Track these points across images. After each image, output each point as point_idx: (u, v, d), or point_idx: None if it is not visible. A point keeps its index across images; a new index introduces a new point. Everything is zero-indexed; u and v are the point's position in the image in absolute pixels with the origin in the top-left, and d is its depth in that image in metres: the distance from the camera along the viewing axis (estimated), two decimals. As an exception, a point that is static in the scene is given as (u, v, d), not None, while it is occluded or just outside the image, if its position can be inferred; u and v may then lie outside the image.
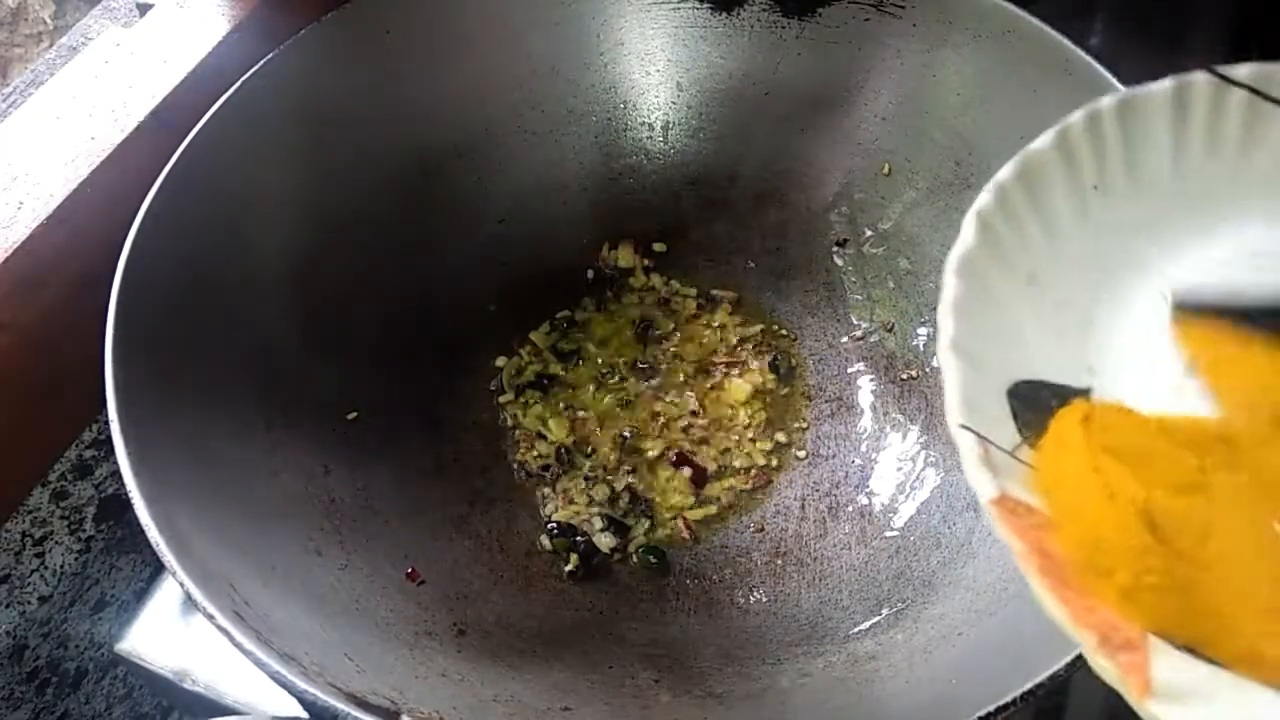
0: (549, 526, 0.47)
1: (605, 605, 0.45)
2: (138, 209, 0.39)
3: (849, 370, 0.52)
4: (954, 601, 0.40)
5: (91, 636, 0.50)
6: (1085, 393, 0.25)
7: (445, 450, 0.49)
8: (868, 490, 0.48)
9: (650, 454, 0.50)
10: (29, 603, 0.46)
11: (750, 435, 0.50)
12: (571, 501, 0.48)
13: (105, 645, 0.50)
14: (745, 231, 0.54)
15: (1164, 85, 0.27)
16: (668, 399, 0.52)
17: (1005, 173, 0.26)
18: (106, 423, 0.39)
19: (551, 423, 0.50)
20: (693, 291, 0.55)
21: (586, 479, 0.49)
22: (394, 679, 0.34)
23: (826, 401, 0.51)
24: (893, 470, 0.48)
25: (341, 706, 0.29)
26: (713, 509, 0.49)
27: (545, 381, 0.52)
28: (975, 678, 0.35)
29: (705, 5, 0.50)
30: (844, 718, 0.37)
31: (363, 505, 0.43)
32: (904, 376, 0.50)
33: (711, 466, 0.50)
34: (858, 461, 0.49)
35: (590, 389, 0.52)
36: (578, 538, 0.47)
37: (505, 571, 0.45)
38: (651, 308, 0.54)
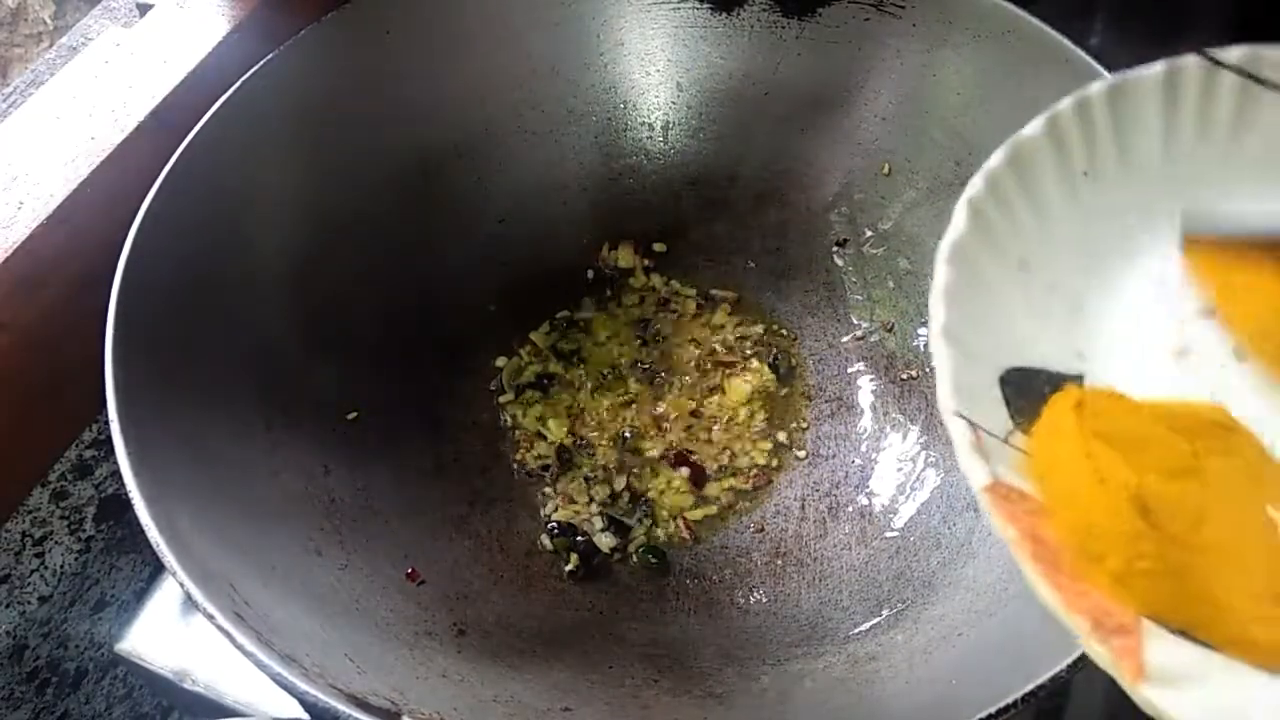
0: (549, 526, 0.47)
1: (605, 605, 0.45)
2: (138, 209, 0.39)
3: (849, 370, 0.52)
4: (954, 602, 0.40)
5: (91, 636, 0.50)
6: (1077, 378, 0.25)
7: (445, 450, 0.49)
8: (868, 490, 0.48)
9: (650, 454, 0.50)
10: (29, 603, 0.46)
11: (750, 435, 0.50)
12: (571, 501, 0.48)
13: (105, 645, 0.50)
14: (745, 231, 0.54)
15: (1154, 69, 0.27)
16: (668, 399, 0.52)
17: (996, 159, 0.26)
18: (106, 423, 0.39)
19: (551, 423, 0.50)
20: (693, 291, 0.55)
21: (586, 479, 0.49)
22: (394, 679, 0.34)
23: (826, 401, 0.51)
24: (893, 470, 0.48)
25: (342, 707, 0.29)
26: (713, 509, 0.49)
27: (545, 381, 0.52)
28: (975, 678, 0.35)
29: (705, 5, 0.50)
30: (844, 718, 0.37)
31: (363, 505, 0.43)
32: (904, 376, 0.50)
33: (711, 466, 0.50)
34: (858, 461, 0.49)
35: (590, 389, 0.52)
36: (578, 537, 0.47)
37: (505, 571, 0.45)
38: (651, 308, 0.54)
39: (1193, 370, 0.25)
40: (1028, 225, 0.27)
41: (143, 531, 0.32)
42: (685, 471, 0.49)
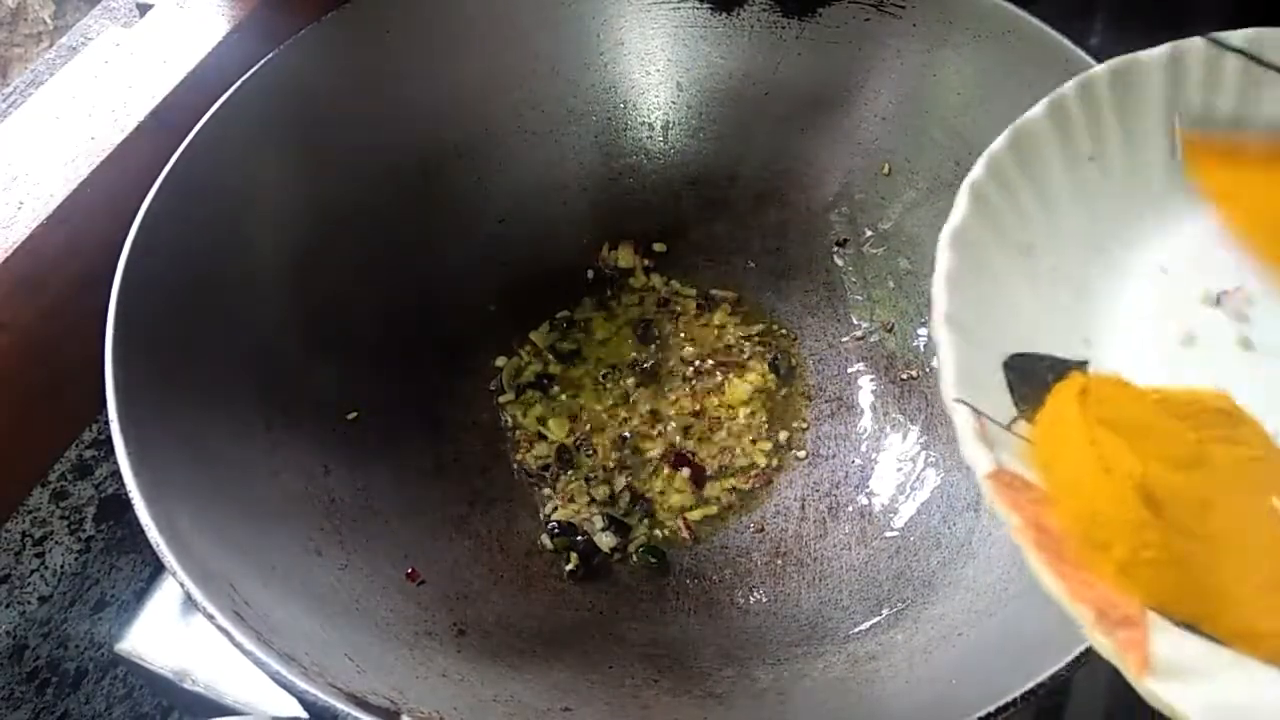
0: (549, 525, 0.47)
1: (605, 605, 0.45)
2: (138, 209, 0.39)
3: (849, 370, 0.52)
4: (954, 601, 0.40)
5: (91, 636, 0.50)
6: (1082, 365, 0.25)
7: (445, 450, 0.49)
8: (868, 490, 0.48)
9: (650, 454, 0.50)
10: (29, 603, 0.46)
11: (750, 435, 0.50)
12: (571, 501, 0.48)
13: (105, 645, 0.50)
14: (745, 231, 0.54)
15: (1159, 52, 0.27)
16: (668, 399, 0.52)
17: (998, 143, 0.26)
18: (106, 423, 0.39)
19: (551, 423, 0.50)
20: (693, 291, 0.55)
21: (586, 479, 0.49)
22: (394, 679, 0.34)
23: (826, 401, 0.51)
24: (893, 470, 0.48)
25: (341, 707, 0.29)
26: (713, 509, 0.49)
27: (545, 381, 0.52)
28: (975, 678, 0.35)
29: (705, 5, 0.50)
30: (844, 718, 0.37)
31: (363, 505, 0.43)
32: (904, 376, 0.50)
33: (711, 466, 0.50)
34: (858, 461, 0.49)
35: (590, 389, 0.52)
36: (578, 537, 0.47)
37: (505, 571, 0.45)
38: (651, 308, 0.54)
39: (1198, 358, 0.25)
40: (1031, 210, 0.26)
41: (143, 531, 0.32)
42: (685, 471, 0.49)
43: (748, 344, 0.53)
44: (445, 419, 0.50)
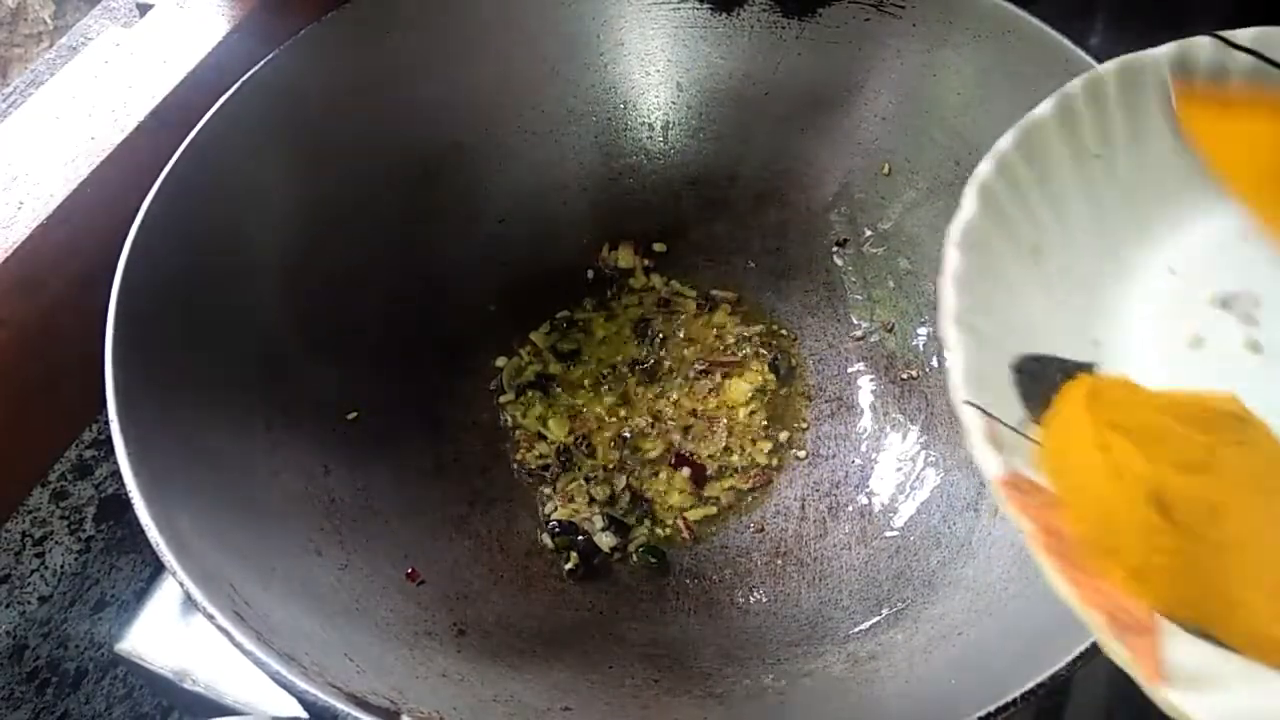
0: (550, 525, 0.47)
1: (605, 605, 0.45)
2: (138, 209, 0.39)
3: (849, 370, 0.52)
4: (954, 601, 0.40)
5: (91, 636, 0.50)
6: (1090, 367, 0.25)
7: (445, 450, 0.49)
8: (868, 490, 0.48)
9: (650, 454, 0.50)
10: (29, 603, 0.46)
11: (750, 435, 0.50)
12: (571, 501, 0.48)
13: (105, 645, 0.50)
14: (745, 231, 0.54)
15: (1166, 50, 0.27)
16: (668, 399, 0.52)
17: (1006, 141, 0.26)
18: (106, 423, 0.39)
19: (551, 423, 0.50)
20: (693, 292, 0.55)
21: (586, 479, 0.49)
22: (394, 679, 0.34)
23: (826, 401, 0.51)
24: (893, 470, 0.48)
25: (341, 707, 0.29)
26: (713, 509, 0.49)
27: (545, 381, 0.52)
28: (975, 678, 0.35)
29: (705, 5, 0.50)
30: (844, 718, 0.37)
31: (363, 505, 0.43)
32: (904, 376, 0.50)
33: (711, 466, 0.50)
34: (858, 461, 0.49)
35: (590, 389, 0.52)
36: (578, 536, 0.47)
37: (505, 571, 0.45)
38: (651, 308, 0.54)
39: (1207, 360, 0.25)
40: (1040, 210, 0.26)
41: (143, 531, 0.32)
42: (685, 471, 0.49)
43: (748, 344, 0.53)
44: (445, 419, 0.50)
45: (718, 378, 0.52)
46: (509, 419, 0.51)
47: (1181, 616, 0.20)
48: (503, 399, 0.51)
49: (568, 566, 0.46)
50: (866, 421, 0.50)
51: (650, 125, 0.54)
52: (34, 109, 0.45)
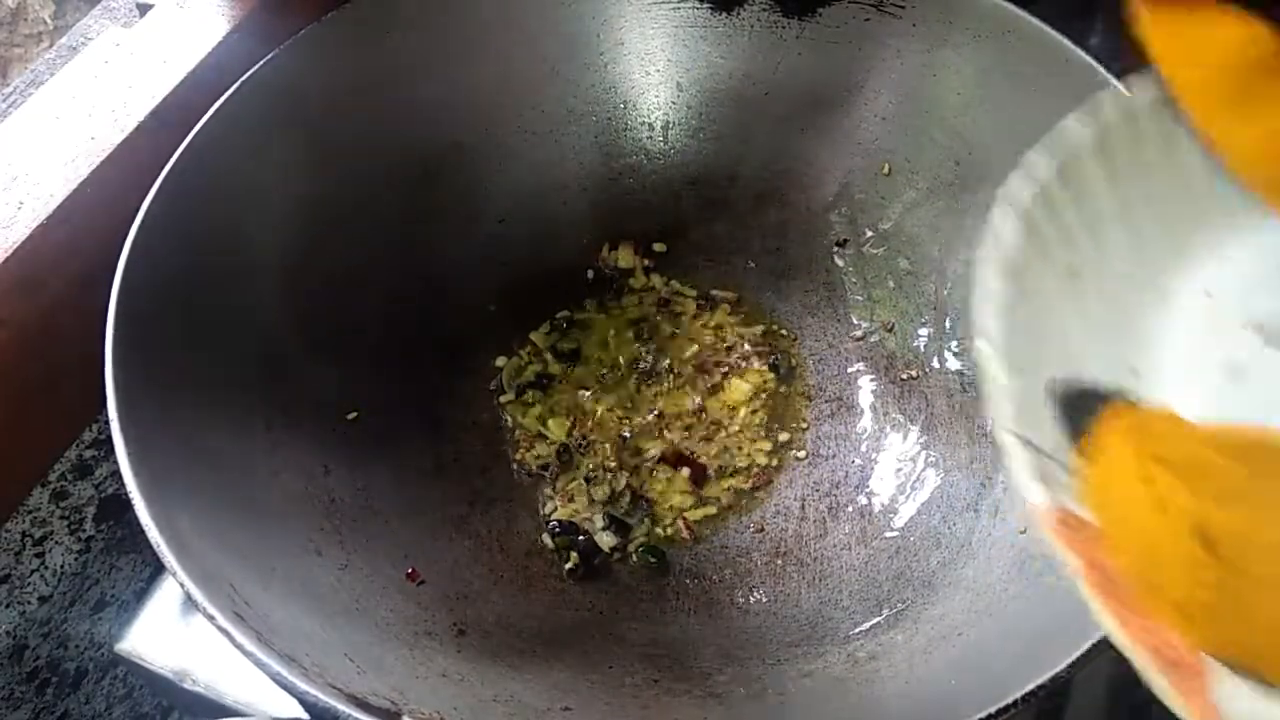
0: (550, 525, 0.47)
1: (605, 605, 0.45)
2: (138, 209, 0.39)
3: (849, 370, 0.52)
4: (954, 601, 0.40)
5: (91, 636, 0.50)
6: (1129, 395, 0.24)
7: (445, 450, 0.49)
8: (868, 490, 0.48)
9: (650, 454, 0.50)
10: (29, 603, 0.46)
11: (750, 435, 0.50)
12: (571, 501, 0.48)
13: (105, 645, 0.50)
14: (745, 231, 0.54)
15: None
16: (667, 399, 0.52)
17: (1043, 167, 0.25)
18: (106, 422, 0.39)
19: (551, 423, 0.50)
20: (693, 291, 0.55)
21: (586, 479, 0.49)
22: (394, 679, 0.34)
23: (826, 401, 0.51)
24: (893, 470, 0.48)
25: (342, 707, 0.29)
26: (713, 509, 0.49)
27: (545, 381, 0.52)
28: (975, 679, 0.35)
29: (705, 5, 0.50)
30: (844, 718, 0.37)
31: (363, 505, 0.43)
32: (904, 377, 0.50)
33: (711, 466, 0.50)
34: (858, 461, 0.49)
35: (590, 389, 0.52)
36: (578, 536, 0.47)
37: (505, 571, 0.45)
38: (651, 308, 0.54)
39: (1245, 390, 0.25)
40: (1077, 232, 0.26)
41: (143, 531, 0.32)
42: (685, 471, 0.49)
43: (748, 344, 0.53)
44: (445, 419, 0.50)
45: (718, 378, 0.52)
46: (509, 419, 0.51)
47: (1227, 655, 0.20)
48: (503, 399, 0.51)
49: (568, 566, 0.46)
50: (866, 422, 0.50)
51: (650, 125, 0.54)
52: (34, 109, 0.45)
